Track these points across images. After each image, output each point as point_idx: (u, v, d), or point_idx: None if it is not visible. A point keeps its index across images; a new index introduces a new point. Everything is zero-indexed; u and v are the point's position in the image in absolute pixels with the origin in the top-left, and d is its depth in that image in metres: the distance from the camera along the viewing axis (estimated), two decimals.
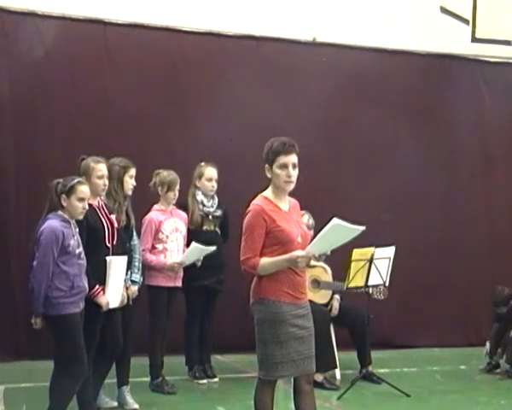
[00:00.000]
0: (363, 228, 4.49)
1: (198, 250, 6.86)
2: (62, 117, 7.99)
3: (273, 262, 4.56)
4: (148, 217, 6.91)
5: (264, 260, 4.56)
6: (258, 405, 4.67)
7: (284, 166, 4.59)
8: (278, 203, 4.67)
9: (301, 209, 5.10)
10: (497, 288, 8.11)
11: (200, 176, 7.24)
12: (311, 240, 4.65)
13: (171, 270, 6.86)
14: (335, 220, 4.44)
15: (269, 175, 4.65)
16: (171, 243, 6.93)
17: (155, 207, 7.01)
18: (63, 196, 5.25)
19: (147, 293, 6.77)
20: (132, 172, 6.31)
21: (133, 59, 8.31)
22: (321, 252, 4.67)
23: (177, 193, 6.99)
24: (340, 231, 4.50)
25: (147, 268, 6.74)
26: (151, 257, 6.81)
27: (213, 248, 6.89)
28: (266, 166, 4.64)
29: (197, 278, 7.06)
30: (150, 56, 8.37)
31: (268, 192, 4.70)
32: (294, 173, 4.62)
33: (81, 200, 5.28)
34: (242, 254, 4.59)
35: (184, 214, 7.11)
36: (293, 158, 4.61)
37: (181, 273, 6.98)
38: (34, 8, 7.98)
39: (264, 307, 4.59)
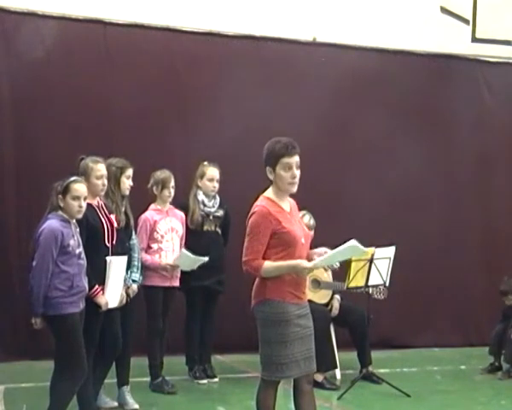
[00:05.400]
0: (367, 249, 4.73)
1: (186, 257, 6.81)
2: (62, 117, 7.98)
3: (277, 267, 4.55)
4: (143, 216, 6.90)
5: (268, 264, 4.54)
6: (261, 406, 4.65)
7: (288, 168, 4.58)
8: (281, 204, 4.67)
9: (300, 209, 5.10)
10: (506, 278, 8.14)
11: (202, 176, 7.23)
12: (312, 241, 4.67)
13: (165, 270, 6.86)
14: (353, 242, 4.53)
15: (271, 177, 4.63)
16: (167, 242, 6.92)
17: (151, 206, 7.00)
18: (60, 196, 5.26)
19: (143, 293, 6.77)
20: (129, 172, 6.30)
21: (133, 59, 8.30)
22: (325, 265, 4.75)
23: (172, 191, 6.97)
24: (352, 250, 4.65)
25: (143, 268, 6.73)
26: (146, 256, 6.78)
27: (205, 259, 6.84)
28: (268, 168, 4.62)
29: (197, 278, 7.04)
30: (150, 56, 8.36)
31: (270, 193, 4.69)
32: (298, 174, 4.62)
33: (76, 198, 5.26)
34: (245, 254, 4.58)
35: (182, 214, 7.10)
36: (296, 158, 4.60)
37: (178, 273, 6.96)
38: (34, 8, 7.98)
39: (269, 307, 4.58)
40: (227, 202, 7.35)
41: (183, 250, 6.85)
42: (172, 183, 6.95)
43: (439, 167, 9.50)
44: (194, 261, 6.87)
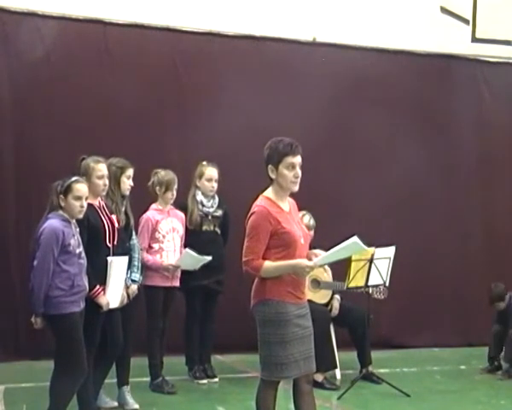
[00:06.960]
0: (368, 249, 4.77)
1: (190, 257, 6.83)
2: (62, 117, 7.98)
3: (277, 267, 4.56)
4: (144, 216, 6.91)
5: (268, 264, 4.55)
6: (261, 406, 4.65)
7: (292, 167, 4.59)
8: (280, 204, 4.67)
9: (300, 209, 5.10)
10: (492, 285, 8.12)
11: (201, 176, 7.23)
12: (312, 241, 4.67)
13: (167, 271, 6.86)
14: (355, 238, 4.52)
15: (273, 176, 4.64)
16: (168, 242, 6.92)
17: (153, 206, 7.00)
18: (61, 196, 5.26)
19: (143, 293, 6.77)
20: (129, 172, 6.30)
21: (133, 59, 8.30)
22: (326, 263, 4.73)
23: (174, 193, 6.97)
24: (353, 247, 4.63)
25: (144, 268, 6.73)
26: (147, 257, 6.80)
27: (208, 258, 6.87)
28: (270, 166, 4.62)
29: (196, 278, 7.05)
30: (150, 56, 8.36)
31: (269, 193, 4.69)
32: (300, 174, 4.63)
33: (78, 198, 5.27)
34: (245, 254, 4.58)
35: (182, 214, 7.10)
36: (299, 158, 4.63)
37: (178, 273, 6.96)
38: (34, 8, 7.98)
39: (268, 307, 4.58)
40: (226, 202, 7.35)
41: (188, 250, 6.85)
42: (176, 185, 6.96)
43: (439, 167, 9.49)
44: (197, 261, 6.88)
